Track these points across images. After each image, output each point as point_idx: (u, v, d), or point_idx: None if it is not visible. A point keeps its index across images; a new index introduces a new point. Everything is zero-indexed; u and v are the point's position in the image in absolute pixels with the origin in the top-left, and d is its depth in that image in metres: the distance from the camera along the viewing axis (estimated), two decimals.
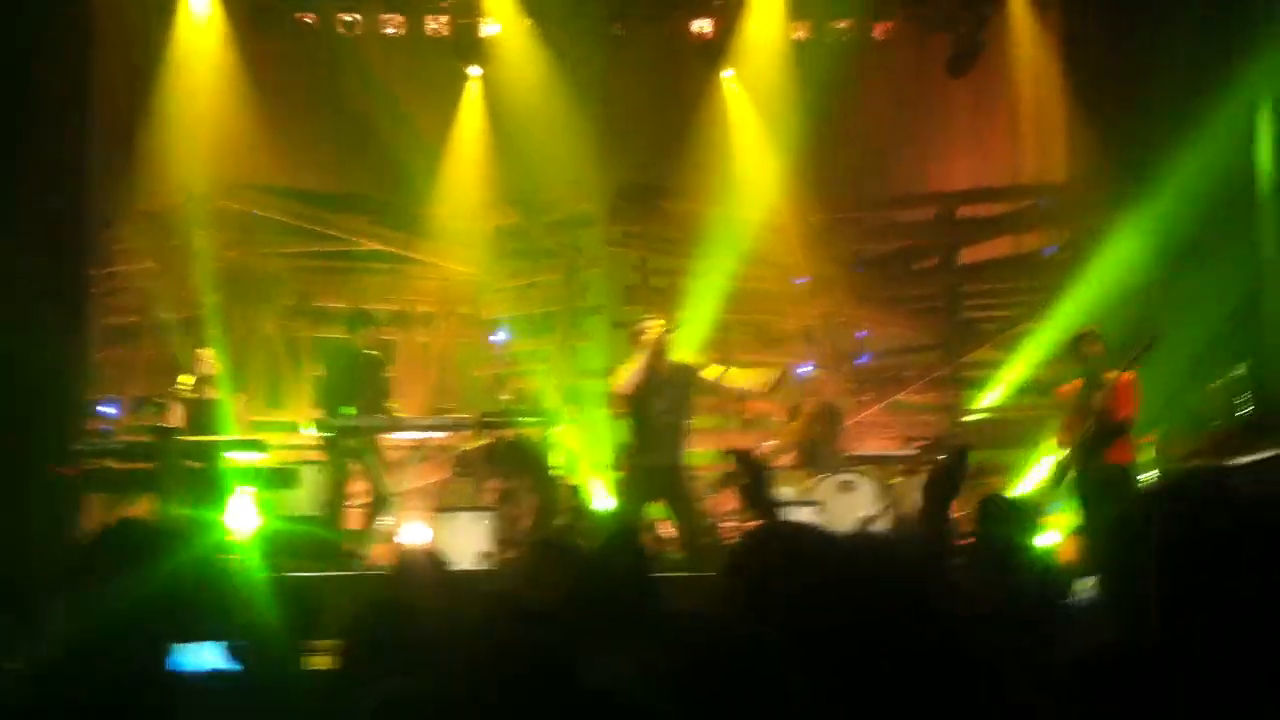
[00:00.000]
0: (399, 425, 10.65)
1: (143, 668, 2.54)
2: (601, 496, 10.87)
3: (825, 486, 10.30)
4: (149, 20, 12.22)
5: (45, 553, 8.55)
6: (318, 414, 10.43)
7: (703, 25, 13.18)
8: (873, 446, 11.59)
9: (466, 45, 12.91)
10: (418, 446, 10.47)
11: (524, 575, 5.77)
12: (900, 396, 12.99)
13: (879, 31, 13.31)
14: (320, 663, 4.37)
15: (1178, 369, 10.12)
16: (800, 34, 13.14)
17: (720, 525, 9.83)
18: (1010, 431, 11.75)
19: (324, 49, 12.96)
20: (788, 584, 2.35)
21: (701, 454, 11.34)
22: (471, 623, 4.55)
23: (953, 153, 13.60)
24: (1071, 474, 9.11)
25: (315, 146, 13.06)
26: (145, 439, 9.75)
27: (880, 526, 10.08)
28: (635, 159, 13.18)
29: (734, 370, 9.07)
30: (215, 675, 4.19)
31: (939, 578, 2.97)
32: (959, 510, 9.82)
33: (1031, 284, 12.96)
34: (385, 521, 10.13)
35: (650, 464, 8.81)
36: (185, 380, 10.46)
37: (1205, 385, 10.11)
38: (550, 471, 10.57)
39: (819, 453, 11.06)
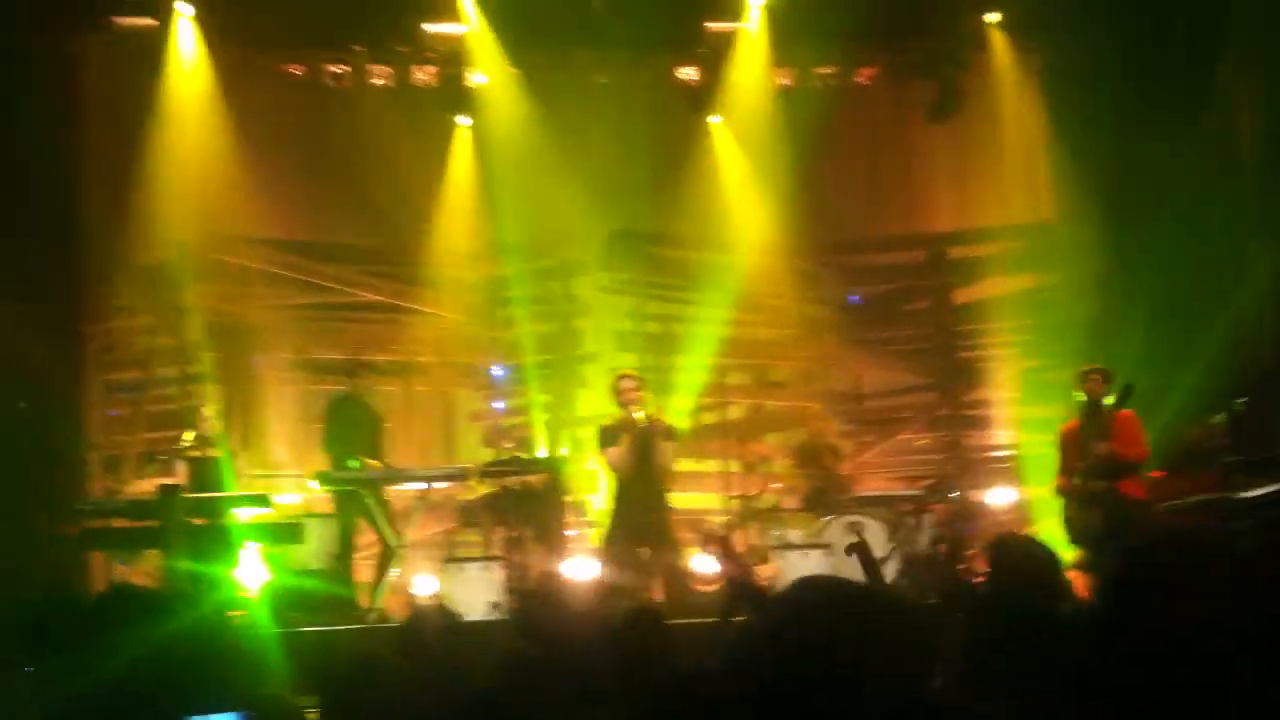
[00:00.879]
0: (404, 476, 10.62)
1: None
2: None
3: (834, 529, 10.33)
4: (137, 75, 12.20)
5: (48, 610, 8.45)
6: (321, 467, 10.42)
7: (689, 73, 13.29)
8: (877, 487, 11.63)
9: (454, 96, 12.95)
10: (422, 497, 10.42)
11: (513, 625, 5.79)
12: (902, 436, 13.05)
13: (862, 77, 13.47)
14: None
15: (1174, 404, 10.25)
16: (785, 80, 13.28)
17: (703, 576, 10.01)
18: (1011, 469, 11.85)
19: (312, 101, 12.97)
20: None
21: (703, 498, 11.43)
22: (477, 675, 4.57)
23: (939, 195, 13.74)
24: (1076, 511, 9.21)
25: (305, 198, 13.03)
26: (149, 496, 9.65)
27: (890, 567, 10.11)
28: (625, 206, 13.21)
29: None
30: None
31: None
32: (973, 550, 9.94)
33: (1024, 323, 13.08)
34: (393, 573, 10.08)
35: (633, 517, 9.38)
36: (187, 437, 10.40)
37: (1203, 420, 10.22)
38: (556, 519, 10.55)
39: (824, 494, 11.11)
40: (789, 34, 12.79)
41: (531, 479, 10.71)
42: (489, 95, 12.95)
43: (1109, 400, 9.18)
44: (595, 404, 12.40)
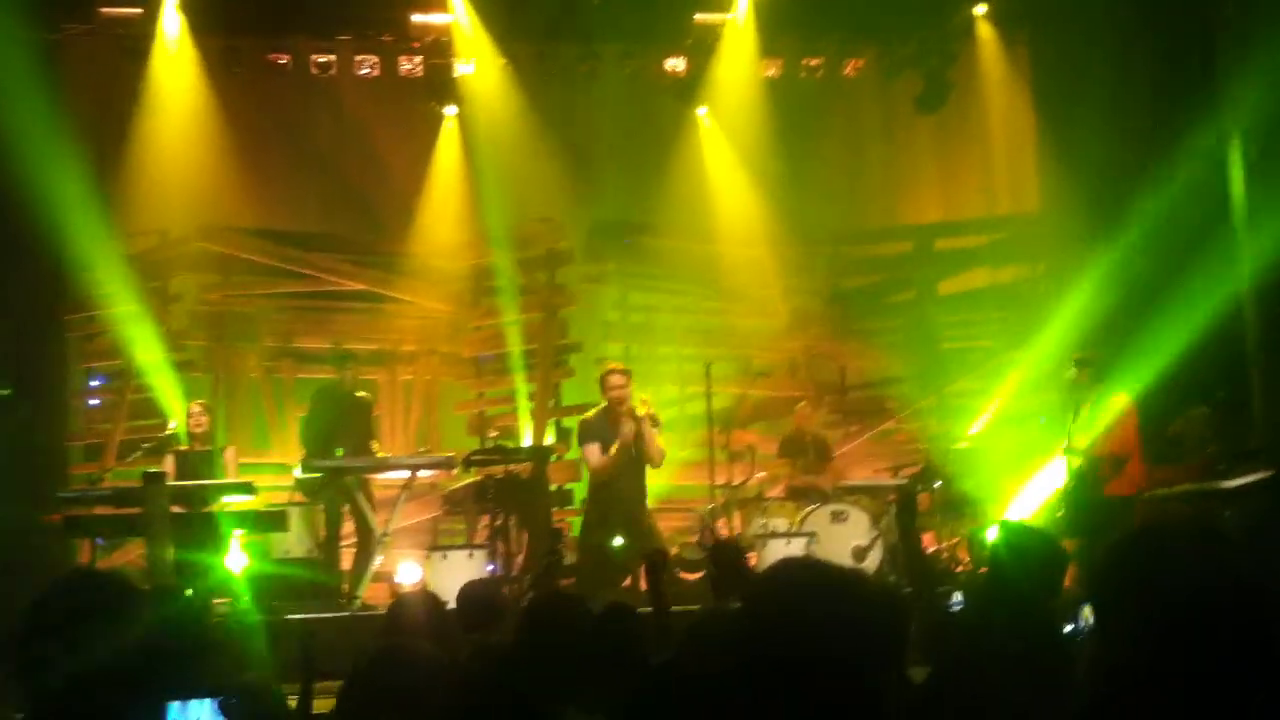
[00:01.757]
0: (386, 465, 10.61)
1: None
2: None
3: (817, 517, 10.35)
4: (123, 65, 12.18)
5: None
6: (305, 455, 10.42)
7: (676, 64, 13.29)
8: (862, 476, 11.65)
9: (440, 86, 12.92)
10: (406, 485, 10.40)
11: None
12: (887, 425, 13.08)
13: (849, 69, 13.48)
14: (320, 706, 4.36)
15: (1156, 397, 10.25)
16: (772, 71, 13.29)
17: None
18: (996, 459, 11.86)
19: (299, 90, 12.97)
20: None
21: (690, 487, 11.44)
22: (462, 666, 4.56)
23: (925, 186, 13.77)
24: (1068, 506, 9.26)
25: (291, 187, 13.02)
26: (133, 484, 9.62)
27: (873, 556, 10.14)
28: (612, 196, 13.26)
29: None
30: None
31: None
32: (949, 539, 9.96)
33: (1009, 314, 13.11)
34: (376, 561, 10.08)
35: (614, 506, 9.42)
36: (173, 425, 10.41)
37: (1185, 413, 10.23)
38: (540, 507, 10.55)
39: (808, 484, 11.13)
40: (776, 26, 12.80)
41: (516, 468, 10.72)
42: (475, 85, 12.92)
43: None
44: (580, 393, 12.41)
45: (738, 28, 12.90)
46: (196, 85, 12.32)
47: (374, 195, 13.17)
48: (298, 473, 10.53)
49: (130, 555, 10.42)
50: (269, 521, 9.81)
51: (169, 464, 10.04)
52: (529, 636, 4.43)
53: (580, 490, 12.18)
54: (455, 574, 9.60)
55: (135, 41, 12.17)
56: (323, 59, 12.76)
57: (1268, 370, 10.74)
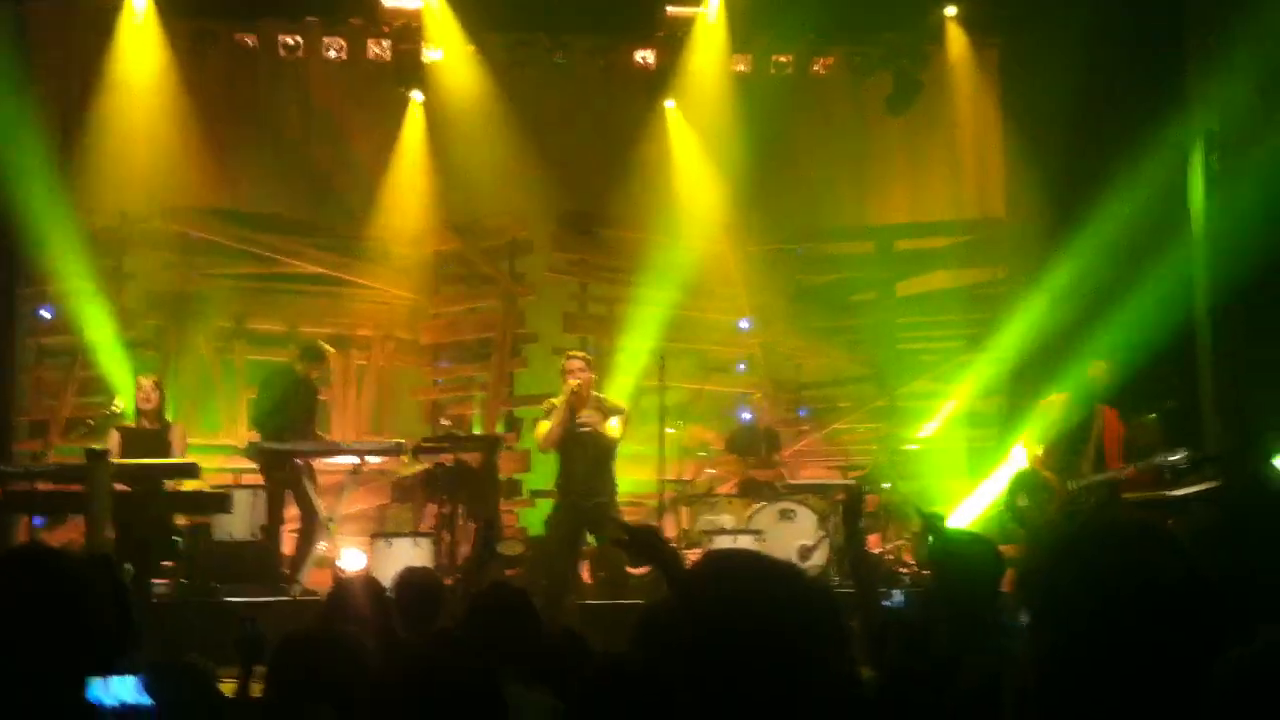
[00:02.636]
0: (335, 449, 10.59)
1: (59, 700, 2.46)
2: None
3: (764, 515, 10.34)
4: (90, 39, 12.12)
5: None
6: (252, 437, 10.38)
7: (645, 56, 13.23)
8: (811, 475, 11.63)
9: (408, 71, 12.83)
10: (354, 471, 10.38)
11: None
12: (838, 425, 13.06)
13: (820, 66, 13.42)
14: (259, 690, 4.33)
15: (1110, 403, 10.24)
16: (742, 67, 13.22)
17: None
18: (946, 461, 11.87)
19: (264, 71, 12.90)
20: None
21: (640, 481, 11.39)
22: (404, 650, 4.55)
23: (891, 187, 13.72)
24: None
25: (253, 168, 12.93)
26: (76, 461, 9.58)
27: (819, 555, 10.13)
28: (576, 187, 13.19)
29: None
30: (131, 710, 4.12)
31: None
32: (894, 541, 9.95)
33: (969, 317, 13.09)
34: (320, 547, 10.05)
35: (575, 501, 9.20)
36: (119, 403, 10.36)
37: (1137, 419, 10.23)
38: (489, 498, 10.53)
39: (757, 481, 11.11)
40: (748, 22, 12.75)
41: (466, 457, 10.69)
42: (443, 71, 12.86)
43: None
44: (535, 384, 12.37)
45: (708, 22, 12.84)
46: (162, 63, 12.25)
47: (338, 179, 13.09)
48: (246, 454, 10.48)
49: (71, 533, 10.36)
50: (212, 503, 9.79)
51: (113, 441, 9.99)
52: (472, 621, 4.44)
53: (530, 481, 12.20)
54: (399, 561, 9.57)
55: (102, 16, 12.09)
56: (290, 40, 12.66)
57: (1218, 379, 10.77)
